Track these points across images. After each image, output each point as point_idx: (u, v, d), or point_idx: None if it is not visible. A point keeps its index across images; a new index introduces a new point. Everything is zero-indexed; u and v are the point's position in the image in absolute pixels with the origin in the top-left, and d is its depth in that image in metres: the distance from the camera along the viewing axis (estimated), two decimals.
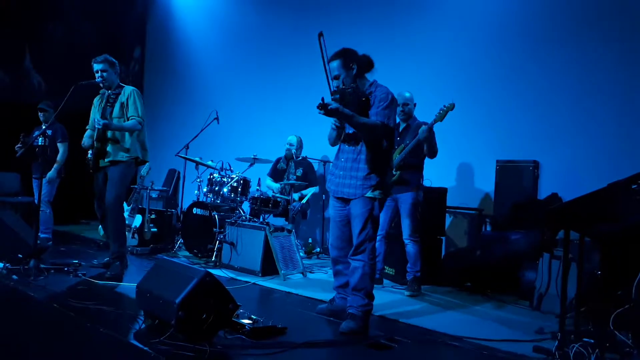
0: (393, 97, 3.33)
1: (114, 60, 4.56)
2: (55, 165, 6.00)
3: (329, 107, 3.06)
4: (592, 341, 2.83)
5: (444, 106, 4.31)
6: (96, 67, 4.47)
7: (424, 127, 4.27)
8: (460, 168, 5.71)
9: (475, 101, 5.53)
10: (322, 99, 3.08)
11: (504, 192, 5.09)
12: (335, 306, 3.58)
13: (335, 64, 3.31)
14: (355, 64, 3.31)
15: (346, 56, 3.31)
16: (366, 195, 3.26)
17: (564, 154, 5.01)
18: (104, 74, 4.46)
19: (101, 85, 4.51)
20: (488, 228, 5.27)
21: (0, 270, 4.13)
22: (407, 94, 4.60)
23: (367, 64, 3.37)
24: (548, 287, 4.08)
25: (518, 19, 5.38)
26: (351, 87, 3.27)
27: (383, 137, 3.27)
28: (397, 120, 4.61)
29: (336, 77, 3.33)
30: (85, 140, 4.57)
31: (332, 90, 3.29)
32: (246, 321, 3.01)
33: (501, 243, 4.78)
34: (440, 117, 4.31)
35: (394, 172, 4.41)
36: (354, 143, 3.35)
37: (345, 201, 3.39)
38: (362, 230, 3.27)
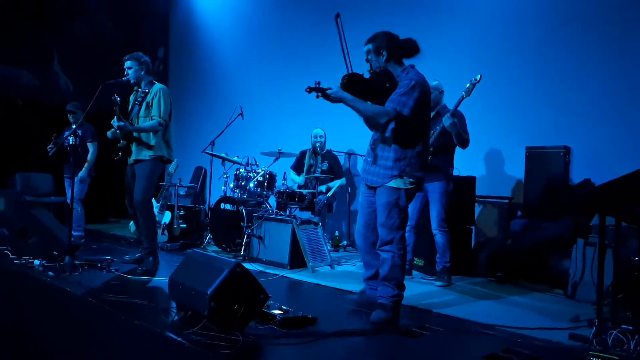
0: (417, 84, 3.14)
1: (142, 56, 4.59)
2: (85, 165, 6.15)
3: (327, 91, 3.04)
4: (631, 328, 2.75)
5: (470, 81, 4.21)
6: (125, 64, 4.54)
7: (447, 114, 4.20)
8: (488, 156, 5.62)
9: (502, 88, 5.43)
10: (317, 83, 3.06)
11: (534, 180, 4.98)
12: (366, 297, 3.56)
13: (368, 47, 3.28)
14: (386, 50, 3.22)
15: (377, 41, 3.25)
16: (389, 184, 3.19)
17: (595, 139, 4.87)
18: (129, 70, 4.53)
19: (131, 81, 4.56)
20: (518, 216, 5.16)
21: (36, 267, 4.23)
22: (433, 82, 4.55)
23: (406, 49, 3.24)
24: (583, 275, 3.99)
25: (544, 3, 5.25)
26: (373, 71, 3.21)
27: (399, 124, 3.13)
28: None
29: (368, 61, 3.30)
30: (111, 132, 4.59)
31: (348, 72, 3.20)
32: (277, 312, 3.02)
33: (532, 231, 4.70)
34: (468, 91, 4.21)
35: None
36: (382, 129, 3.25)
37: (373, 189, 3.34)
38: (387, 220, 3.19)
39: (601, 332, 2.82)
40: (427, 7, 6.18)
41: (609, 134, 4.80)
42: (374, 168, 3.28)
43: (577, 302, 3.88)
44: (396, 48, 3.24)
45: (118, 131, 4.46)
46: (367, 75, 3.22)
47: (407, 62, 3.33)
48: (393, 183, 3.19)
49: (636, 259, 3.33)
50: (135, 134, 4.47)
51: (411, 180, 3.20)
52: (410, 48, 3.25)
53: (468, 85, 4.20)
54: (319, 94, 3.07)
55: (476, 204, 5.24)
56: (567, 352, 2.78)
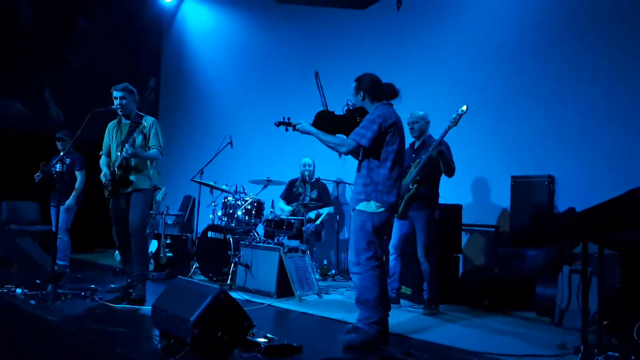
0: (378, 117, 3.38)
1: (133, 89, 4.67)
2: (73, 193, 6.09)
3: (296, 127, 3.52)
4: (617, 354, 2.76)
5: (457, 111, 4.27)
6: (115, 94, 4.56)
7: (434, 144, 4.27)
8: (474, 184, 5.68)
9: (488, 117, 5.54)
10: (286, 119, 3.58)
11: (519, 208, 5.03)
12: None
13: (353, 85, 3.61)
14: (363, 91, 3.54)
15: (358, 83, 3.57)
16: (358, 207, 3.40)
17: (579, 168, 4.95)
18: (123, 101, 4.56)
19: (119, 112, 4.61)
20: (505, 245, 5.18)
21: (18, 296, 4.17)
22: (420, 112, 4.63)
23: (383, 94, 3.52)
24: (569, 302, 3.99)
25: (530, 35, 5.42)
26: (348, 108, 3.59)
27: (364, 153, 3.43)
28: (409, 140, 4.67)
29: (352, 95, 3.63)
30: (103, 169, 4.63)
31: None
32: (261, 340, 2.99)
33: (519, 259, 4.71)
34: (454, 122, 4.26)
35: (411, 187, 4.41)
36: (357, 158, 3.55)
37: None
38: (355, 243, 3.37)
39: (587, 359, 2.81)
40: (410, 40, 6.34)
41: (593, 164, 4.88)
42: (352, 193, 3.57)
43: (564, 330, 3.86)
44: (374, 90, 3.53)
45: (127, 154, 4.43)
46: (339, 112, 3.62)
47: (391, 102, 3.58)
48: (361, 206, 3.40)
49: (618, 285, 3.36)
50: (132, 163, 4.50)
51: (378, 204, 3.35)
52: (385, 93, 3.55)
53: (454, 115, 4.27)
54: (288, 127, 3.55)
55: (463, 232, 5.26)
56: None
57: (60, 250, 5.81)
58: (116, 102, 4.56)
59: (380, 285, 3.31)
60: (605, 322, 3.16)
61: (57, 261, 5.31)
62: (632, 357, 2.82)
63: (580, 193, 4.86)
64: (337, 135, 3.51)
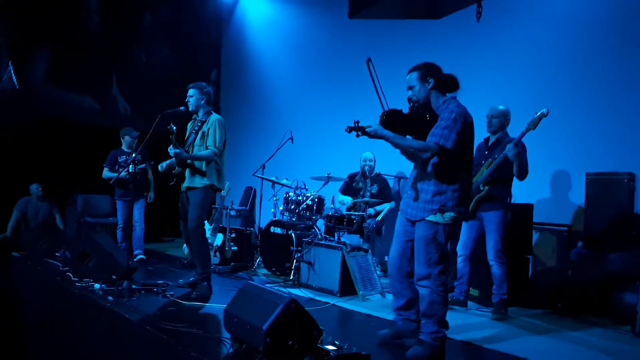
0: (459, 115, 3.11)
1: (205, 87, 4.76)
2: (151, 188, 6.62)
3: (367, 130, 3.03)
4: None
5: (537, 113, 4.09)
6: (188, 92, 4.73)
7: (509, 145, 4.09)
8: (546, 181, 5.40)
9: (562, 110, 5.22)
10: (356, 122, 3.04)
11: (595, 207, 4.76)
12: (397, 329, 3.43)
13: (413, 75, 3.30)
14: (433, 78, 3.25)
15: (425, 68, 3.28)
16: (428, 218, 3.15)
17: None
18: (190, 99, 4.70)
19: (190, 109, 4.73)
20: (579, 245, 4.93)
21: (97, 291, 4.39)
22: (501, 107, 4.43)
23: (449, 83, 3.25)
24: None
25: (609, 25, 5.04)
26: (413, 105, 3.23)
27: (441, 158, 3.10)
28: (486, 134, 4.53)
29: (410, 88, 3.30)
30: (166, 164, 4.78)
31: (384, 109, 3.20)
32: (330, 347, 2.99)
33: (595, 262, 4.48)
34: (533, 124, 4.09)
35: (482, 188, 4.27)
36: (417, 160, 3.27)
37: (412, 221, 3.28)
38: (425, 255, 3.15)
39: None
40: (484, 33, 6.03)
41: None
42: (415, 202, 3.24)
43: None
44: (441, 78, 3.26)
45: (173, 158, 4.60)
46: (406, 110, 3.23)
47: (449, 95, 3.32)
48: (432, 217, 3.15)
49: None
50: (189, 161, 4.60)
51: (451, 214, 3.14)
52: (453, 82, 3.26)
53: (534, 118, 4.08)
54: (359, 132, 3.05)
55: (534, 232, 5.05)
56: None
57: (136, 239, 6.29)
58: (187, 99, 4.71)
59: (447, 300, 3.20)
60: None
61: (132, 251, 5.68)
62: None
63: None
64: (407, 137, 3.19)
